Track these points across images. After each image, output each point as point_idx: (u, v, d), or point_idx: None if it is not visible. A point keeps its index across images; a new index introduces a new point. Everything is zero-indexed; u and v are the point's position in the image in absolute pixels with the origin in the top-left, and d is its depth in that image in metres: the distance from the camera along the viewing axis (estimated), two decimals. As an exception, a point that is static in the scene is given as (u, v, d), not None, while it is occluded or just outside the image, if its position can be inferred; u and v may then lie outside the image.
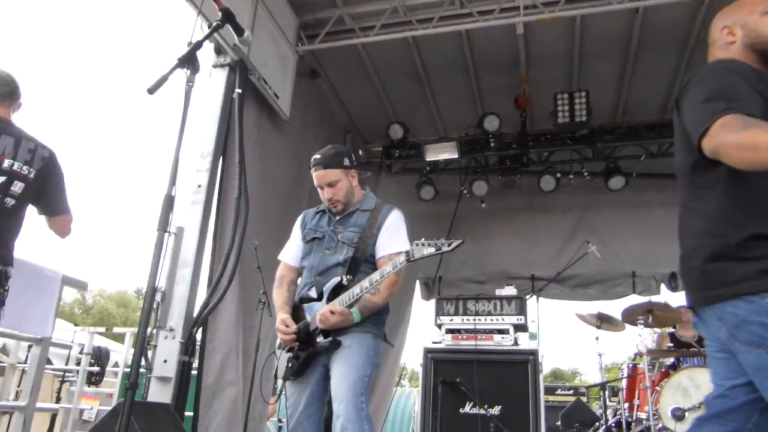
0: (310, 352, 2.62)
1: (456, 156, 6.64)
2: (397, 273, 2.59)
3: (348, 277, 2.63)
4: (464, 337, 4.75)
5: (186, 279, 4.23)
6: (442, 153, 6.68)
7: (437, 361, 4.70)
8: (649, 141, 6.48)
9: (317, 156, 2.86)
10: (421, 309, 8.40)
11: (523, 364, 4.55)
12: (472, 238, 7.89)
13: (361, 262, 2.70)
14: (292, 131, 5.66)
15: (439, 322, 4.88)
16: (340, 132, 7.10)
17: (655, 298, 7.16)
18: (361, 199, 2.91)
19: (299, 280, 2.86)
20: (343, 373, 2.51)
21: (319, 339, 2.59)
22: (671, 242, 6.94)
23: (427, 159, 6.76)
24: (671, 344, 5.99)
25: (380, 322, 2.74)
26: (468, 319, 4.81)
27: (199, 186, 4.43)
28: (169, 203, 1.84)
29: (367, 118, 6.92)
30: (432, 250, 2.42)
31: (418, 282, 8.27)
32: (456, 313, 4.86)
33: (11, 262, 2.69)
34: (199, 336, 4.26)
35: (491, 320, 4.76)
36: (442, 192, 7.27)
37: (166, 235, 1.81)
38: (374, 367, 2.63)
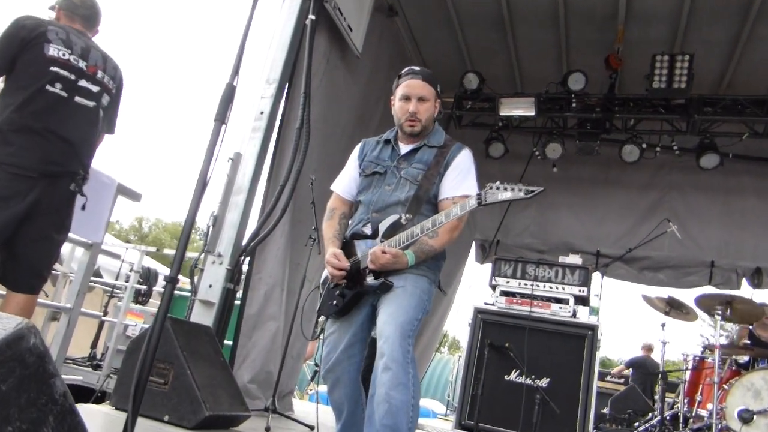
0: (357, 292, 2.56)
1: (532, 113, 6.38)
2: (460, 218, 2.48)
3: (407, 216, 2.52)
4: (519, 301, 4.65)
5: (239, 206, 4.25)
6: (518, 109, 6.42)
7: (487, 323, 4.63)
8: (754, 118, 5.99)
9: (415, 67, 2.75)
10: (474, 272, 8.29)
11: (580, 338, 4.41)
12: (538, 205, 7.71)
13: (423, 202, 2.59)
14: (362, 69, 5.57)
15: (494, 282, 4.79)
16: (412, 76, 6.93)
17: (733, 293, 6.74)
18: (431, 133, 2.77)
19: (354, 215, 2.78)
20: (392, 312, 2.42)
21: (369, 279, 2.50)
22: (761, 235, 6.53)
23: (501, 114, 6.53)
24: (748, 341, 5.65)
25: (436, 267, 2.64)
26: (526, 284, 4.69)
27: (261, 113, 4.40)
28: (229, 93, 1.76)
29: (442, 64, 6.70)
30: (507, 195, 2.28)
31: (474, 243, 8.13)
32: (513, 276, 4.75)
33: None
34: (246, 267, 4.31)
35: (551, 288, 4.63)
36: (512, 151, 7.05)
37: (223, 127, 1.73)
38: (425, 313, 2.52)
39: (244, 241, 4.24)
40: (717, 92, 6.26)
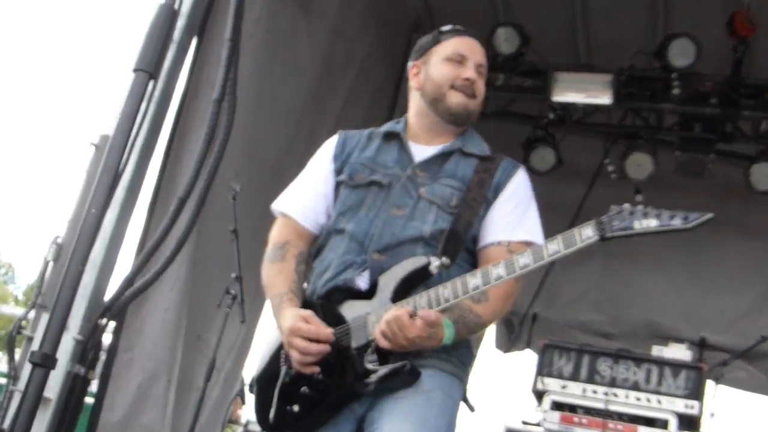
0: (339, 391, 2.56)
1: (607, 102, 6.41)
2: (518, 280, 2.59)
3: (445, 260, 2.57)
4: (585, 421, 4.62)
5: (105, 231, 4.12)
6: (583, 92, 6.48)
7: (527, 458, 4.55)
8: None
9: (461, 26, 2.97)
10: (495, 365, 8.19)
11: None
12: (606, 258, 7.68)
13: (463, 243, 2.70)
14: (322, 18, 5.67)
15: (540, 386, 4.79)
16: (404, 28, 6.96)
17: None
18: (467, 135, 2.92)
19: (324, 255, 2.81)
20: (410, 428, 2.45)
21: (371, 365, 2.49)
22: None
23: (554, 99, 6.55)
24: None
25: (470, 358, 2.78)
26: (595, 391, 4.68)
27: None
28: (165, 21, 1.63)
29: (457, 9, 6.71)
30: (652, 223, 2.36)
31: (494, 318, 8.10)
32: (575, 377, 4.75)
33: None
34: (108, 338, 4.31)
35: (638, 399, 4.62)
36: (568, 162, 7.06)
37: (151, 83, 1.63)
38: None
39: (108, 294, 4.12)
40: None
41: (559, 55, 6.87)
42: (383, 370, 2.48)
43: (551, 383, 4.76)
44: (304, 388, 2.58)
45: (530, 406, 4.86)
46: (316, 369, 2.55)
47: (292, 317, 2.57)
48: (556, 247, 2.39)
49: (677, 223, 2.34)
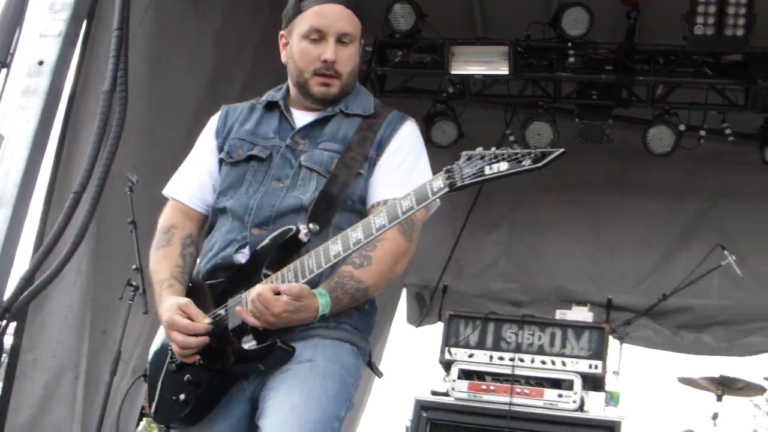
0: (224, 375, 2.47)
1: (505, 72, 6.46)
2: (411, 234, 2.55)
3: (312, 227, 2.46)
4: (491, 387, 4.66)
5: None
6: (481, 64, 6.51)
7: (438, 426, 4.62)
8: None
9: None
10: (407, 336, 8.28)
11: (593, 445, 4.49)
12: (512, 225, 7.85)
13: (338, 205, 2.55)
14: (212, 5, 5.65)
15: (448, 356, 4.79)
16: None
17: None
18: (351, 96, 2.75)
19: (212, 237, 2.69)
20: (294, 407, 2.33)
21: (248, 344, 2.39)
22: None
23: (453, 72, 6.58)
24: None
25: (366, 325, 2.62)
26: (502, 358, 4.73)
27: (41, 63, 4.30)
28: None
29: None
30: (503, 167, 2.16)
31: (404, 291, 8.13)
32: (481, 345, 4.78)
33: None
34: (9, 339, 4.21)
35: (543, 363, 4.69)
36: (469, 135, 7.10)
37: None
38: (350, 407, 2.50)
39: (7, 294, 4.04)
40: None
41: (456, 29, 6.88)
42: (254, 347, 2.39)
43: (458, 353, 4.78)
44: (187, 376, 2.49)
45: (440, 377, 4.89)
46: (197, 357, 2.47)
47: (169, 309, 2.46)
48: (409, 203, 2.24)
49: (527, 163, 2.16)
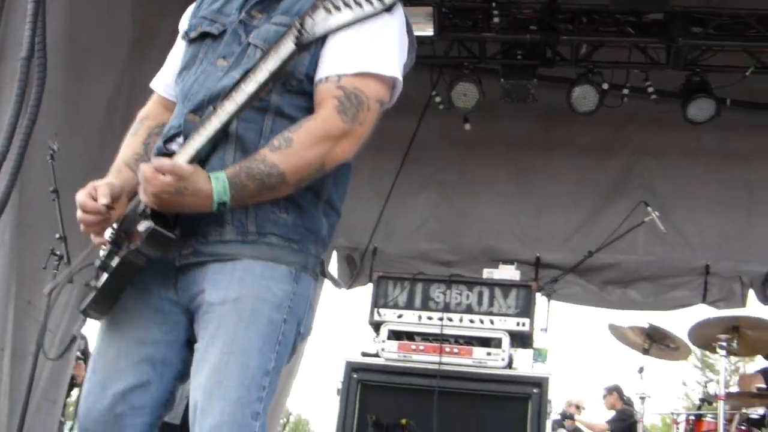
0: (127, 261, 2.22)
1: (430, 33, 6.45)
2: (359, 108, 2.23)
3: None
4: (421, 347, 4.69)
5: None
6: (406, 26, 6.48)
7: (368, 387, 4.65)
8: (762, 44, 6.49)
9: None
10: (338, 301, 8.30)
11: (521, 401, 4.54)
12: (441, 187, 7.90)
13: (278, 83, 2.26)
14: None
15: (377, 317, 4.80)
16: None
17: (738, 313, 7.32)
18: None
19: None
20: (215, 374, 2.16)
21: (142, 225, 2.15)
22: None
23: (377, 34, 6.54)
24: (763, 386, 6.17)
25: (305, 229, 2.30)
26: (430, 317, 4.75)
27: None
28: None
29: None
30: (348, 16, 2.07)
31: (334, 254, 8.15)
32: (410, 305, 4.80)
33: None
34: None
35: (471, 321, 4.72)
36: (397, 96, 7.10)
37: None
38: (291, 348, 2.27)
39: None
40: (709, 4, 6.65)
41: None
42: (145, 227, 2.13)
43: (387, 314, 4.78)
44: (98, 261, 2.31)
45: (370, 338, 4.90)
46: (103, 239, 2.28)
47: (84, 189, 2.27)
48: (290, 44, 2.09)
49: (369, 9, 2.06)
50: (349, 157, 2.31)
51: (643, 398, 6.33)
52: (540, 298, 5.44)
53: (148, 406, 2.30)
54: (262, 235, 2.23)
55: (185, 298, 2.28)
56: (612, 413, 9.80)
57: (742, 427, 5.90)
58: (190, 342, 2.31)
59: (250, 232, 2.22)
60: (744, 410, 6.03)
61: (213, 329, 2.19)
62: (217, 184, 2.11)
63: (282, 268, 2.24)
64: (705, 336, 5.73)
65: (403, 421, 4.49)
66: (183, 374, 2.33)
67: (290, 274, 2.25)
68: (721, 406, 5.36)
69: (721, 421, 5.31)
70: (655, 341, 6.24)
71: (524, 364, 4.82)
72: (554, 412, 4.64)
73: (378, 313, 4.83)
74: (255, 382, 2.17)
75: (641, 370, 6.31)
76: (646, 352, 6.24)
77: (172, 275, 2.29)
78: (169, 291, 2.30)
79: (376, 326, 4.83)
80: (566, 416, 9.57)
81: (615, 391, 9.91)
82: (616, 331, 6.39)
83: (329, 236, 2.40)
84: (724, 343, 5.44)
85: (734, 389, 6.68)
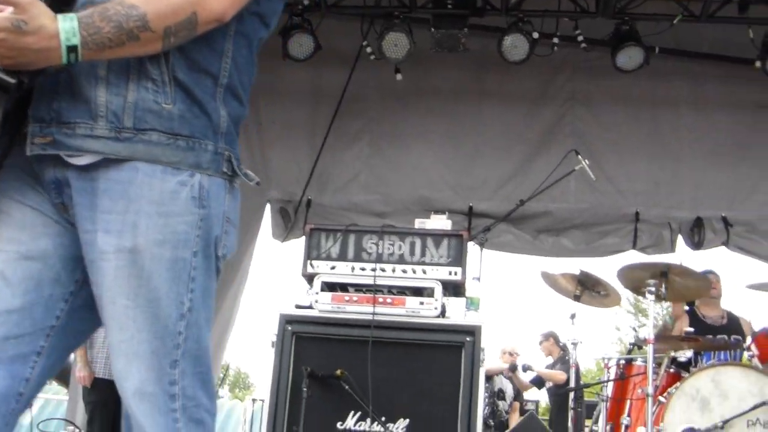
0: None
1: (359, -18, 6.42)
2: None
3: None
4: (354, 298, 4.72)
5: None
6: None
7: (302, 339, 4.66)
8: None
9: None
10: (272, 253, 8.26)
11: (454, 349, 4.60)
12: (373, 138, 7.89)
13: None
14: None
15: (310, 269, 4.80)
16: None
17: (668, 259, 7.48)
18: None
19: None
20: (122, 314, 1.97)
21: None
22: (703, 168, 7.27)
23: (306, -17, 6.49)
24: (691, 329, 6.33)
25: (199, 120, 2.02)
26: (363, 268, 4.76)
27: None
28: None
29: None
30: None
31: (268, 207, 8.11)
32: (343, 257, 4.80)
33: None
34: None
35: (404, 271, 4.74)
36: (327, 47, 7.09)
37: None
38: (207, 280, 2.06)
39: None
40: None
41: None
42: None
43: (320, 265, 4.78)
44: None
45: (303, 290, 4.89)
46: None
47: None
48: None
49: None
50: (226, 14, 1.98)
51: (575, 344, 6.47)
52: (472, 247, 5.51)
53: (29, 345, 2.04)
54: (141, 131, 1.95)
55: (55, 194, 2.02)
56: (549, 359, 9.98)
57: (671, 370, 6.07)
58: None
59: (125, 127, 1.94)
60: (672, 353, 6.20)
61: (110, 281, 1.97)
62: (65, 22, 1.82)
63: (173, 182, 1.97)
64: (634, 279, 5.86)
65: (338, 371, 4.52)
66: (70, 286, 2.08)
67: (188, 193, 1.99)
68: (650, 350, 5.51)
69: (650, 365, 5.46)
70: (587, 288, 6.36)
71: (457, 312, 4.86)
72: (487, 360, 4.67)
73: (311, 265, 4.82)
74: (169, 330, 1.99)
75: (573, 316, 6.43)
76: (577, 298, 6.35)
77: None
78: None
79: (309, 278, 4.82)
80: (526, 368, 9.71)
81: (551, 336, 10.10)
82: (548, 279, 6.49)
83: (234, 129, 2.12)
84: (653, 288, 5.58)
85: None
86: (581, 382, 6.56)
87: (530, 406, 10.46)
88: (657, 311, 5.94)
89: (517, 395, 9.94)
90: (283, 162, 7.92)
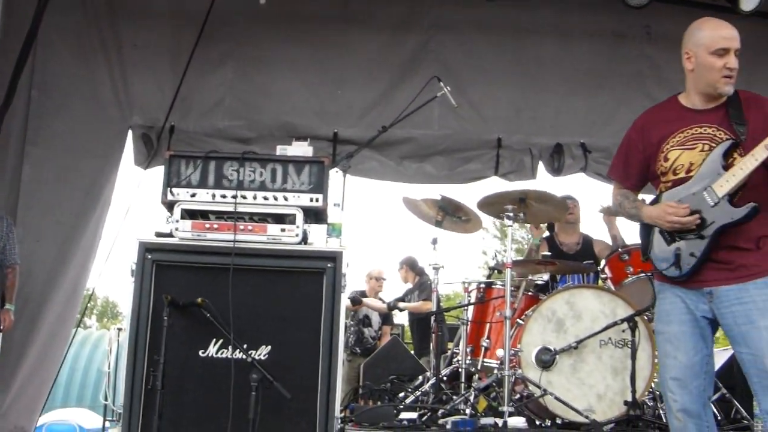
0: None
1: None
2: None
3: None
4: (215, 225, 4.69)
5: None
6: None
7: (163, 267, 4.64)
8: None
9: None
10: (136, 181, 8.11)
11: (315, 276, 4.66)
12: (239, 63, 7.80)
13: None
14: None
15: (170, 197, 4.75)
16: None
17: (529, 185, 7.73)
18: None
19: None
20: None
21: None
22: (563, 95, 7.52)
23: None
24: (549, 253, 6.57)
25: None
26: (224, 195, 4.74)
27: None
28: None
29: None
30: None
31: (130, 134, 7.93)
32: (203, 184, 4.76)
33: None
34: None
35: (265, 198, 4.75)
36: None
37: None
38: None
39: None
40: None
41: None
42: None
43: (180, 193, 4.71)
44: None
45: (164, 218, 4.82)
46: None
47: None
48: None
49: None
50: None
51: (437, 268, 6.63)
52: (335, 174, 5.52)
53: None
54: None
55: None
56: (408, 285, 10.15)
57: (529, 293, 6.32)
58: None
59: None
60: (530, 277, 6.45)
61: None
62: None
63: None
64: (493, 206, 6.02)
65: (199, 300, 4.50)
66: None
67: None
68: (507, 274, 5.71)
69: (508, 288, 5.66)
70: (448, 213, 6.52)
71: (319, 239, 4.89)
72: (349, 286, 4.73)
73: (171, 192, 4.75)
74: None
75: (435, 241, 6.57)
76: (439, 224, 6.51)
77: None
78: None
79: (169, 206, 4.76)
80: (355, 302, 9.82)
81: (407, 263, 10.24)
82: (410, 204, 6.61)
83: None
84: (511, 214, 5.76)
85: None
86: (441, 306, 6.72)
87: (397, 331, 10.64)
88: (523, 235, 6.13)
89: (386, 319, 10.07)
90: (146, 87, 7.72)
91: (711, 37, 3.61)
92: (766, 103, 3.70)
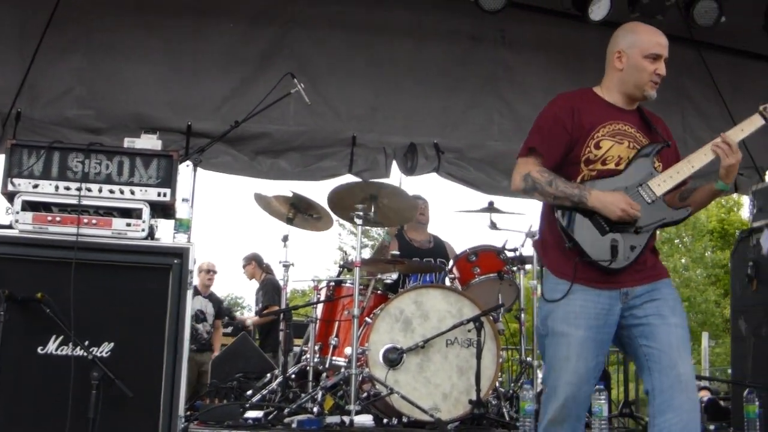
0: None
1: None
2: None
3: None
4: (57, 219, 4.59)
5: None
6: None
7: (2, 261, 4.50)
8: None
9: None
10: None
11: (161, 272, 4.62)
12: (90, 51, 7.61)
13: None
14: None
15: (11, 188, 4.61)
16: None
17: (379, 184, 7.81)
18: None
19: None
20: None
21: None
22: (417, 95, 7.69)
23: None
24: (398, 252, 6.68)
25: None
26: (68, 188, 4.63)
27: None
28: None
29: None
30: None
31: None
32: (46, 175, 4.64)
33: None
34: None
35: (111, 192, 4.67)
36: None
37: None
38: None
39: None
40: None
41: None
42: None
43: (22, 183, 4.57)
44: None
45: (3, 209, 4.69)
46: None
47: None
48: None
49: None
50: None
51: (287, 266, 6.66)
52: (185, 168, 5.48)
53: None
54: None
55: None
56: (255, 283, 10.15)
57: (378, 291, 6.41)
58: None
59: None
60: (380, 275, 6.55)
61: None
62: None
63: None
64: (341, 204, 6.09)
65: (39, 294, 4.39)
66: None
67: None
68: (356, 272, 5.80)
69: (357, 286, 5.74)
70: (300, 211, 6.55)
71: (166, 234, 4.85)
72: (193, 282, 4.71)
73: (11, 183, 4.60)
74: None
75: (285, 238, 6.60)
76: (290, 221, 6.53)
77: None
78: None
79: (10, 197, 4.61)
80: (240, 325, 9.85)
81: (253, 260, 10.26)
82: (262, 201, 6.61)
83: None
84: (361, 213, 5.84)
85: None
86: (289, 304, 6.75)
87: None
88: (379, 232, 6.25)
89: (219, 313, 10.04)
90: (6, 67, 7.44)
91: (648, 41, 3.70)
92: (663, 123, 3.92)
